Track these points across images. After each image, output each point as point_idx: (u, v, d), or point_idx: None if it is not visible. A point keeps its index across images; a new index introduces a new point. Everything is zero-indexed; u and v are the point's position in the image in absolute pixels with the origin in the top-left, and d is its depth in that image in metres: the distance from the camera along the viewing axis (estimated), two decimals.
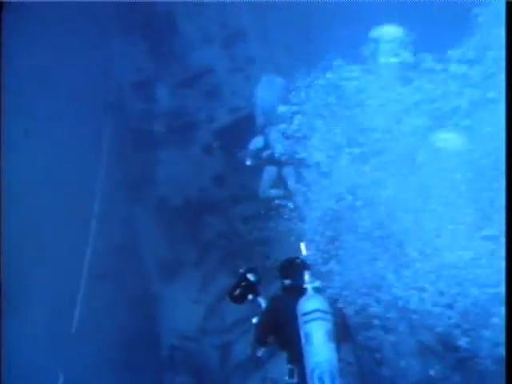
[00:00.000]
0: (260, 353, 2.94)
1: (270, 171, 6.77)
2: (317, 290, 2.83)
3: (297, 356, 2.63)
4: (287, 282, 3.07)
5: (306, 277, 2.89)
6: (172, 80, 8.78)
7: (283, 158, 6.70)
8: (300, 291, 2.81)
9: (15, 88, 7.41)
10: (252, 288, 3.01)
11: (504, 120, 3.25)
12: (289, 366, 2.74)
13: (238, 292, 3.00)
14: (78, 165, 8.72)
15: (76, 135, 8.84)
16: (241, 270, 3.11)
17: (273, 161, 6.73)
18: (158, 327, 7.04)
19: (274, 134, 6.82)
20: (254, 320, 2.92)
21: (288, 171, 6.79)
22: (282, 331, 2.79)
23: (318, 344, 2.53)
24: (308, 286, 2.83)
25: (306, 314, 2.63)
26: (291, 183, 6.73)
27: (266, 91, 7.36)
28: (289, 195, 6.81)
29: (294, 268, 3.09)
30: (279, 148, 6.72)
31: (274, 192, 6.77)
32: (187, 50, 9.15)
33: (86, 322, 7.71)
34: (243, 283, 3.01)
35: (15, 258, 6.92)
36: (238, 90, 7.96)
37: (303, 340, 2.58)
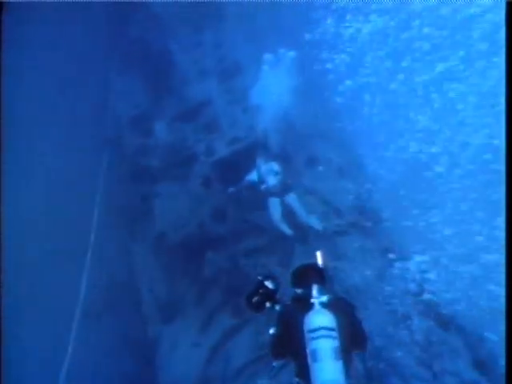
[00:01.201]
0: (276, 363, 2.85)
1: (274, 203, 6.57)
2: (324, 305, 2.74)
3: (304, 370, 2.60)
4: (299, 291, 2.94)
5: (314, 291, 2.80)
6: (169, 113, 8.74)
7: (278, 190, 6.53)
8: (309, 304, 2.76)
9: (14, 89, 7.41)
10: (270, 296, 2.95)
11: (504, 120, 3.27)
12: (296, 379, 2.70)
13: (255, 299, 2.94)
14: (75, 200, 8.63)
15: (73, 169, 8.81)
16: (259, 277, 3.02)
17: (271, 193, 6.56)
18: (156, 373, 6.54)
19: (264, 167, 6.69)
20: (271, 331, 2.85)
21: (291, 200, 6.59)
22: (291, 342, 2.73)
23: (325, 362, 2.53)
24: (315, 300, 2.76)
25: (311, 331, 2.61)
26: (300, 213, 6.52)
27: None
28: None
29: (307, 277, 2.96)
30: (272, 180, 6.56)
31: (287, 230, 6.53)
32: (184, 84, 9.18)
33: (79, 364, 7.30)
34: (261, 290, 2.95)
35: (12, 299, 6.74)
36: (236, 121, 7.87)
37: (310, 357, 2.57)
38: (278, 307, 2.92)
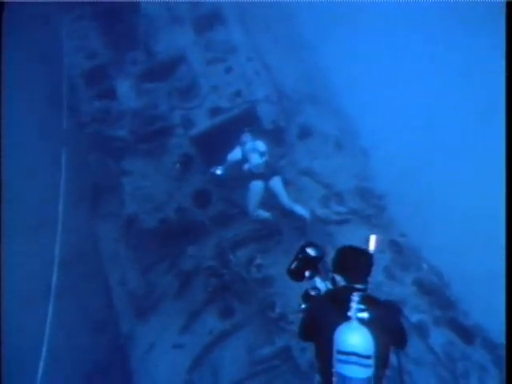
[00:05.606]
0: None
1: (255, 186, 5.68)
2: (363, 321, 2.21)
3: (327, 372, 2.27)
4: (338, 278, 2.49)
5: (354, 303, 2.24)
6: (135, 71, 7.26)
7: (262, 170, 5.68)
8: (344, 315, 2.25)
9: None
10: (310, 263, 2.68)
11: (504, 122, 3.22)
12: (318, 376, 2.41)
13: (294, 265, 2.70)
14: (34, 173, 7.72)
15: (32, 137, 7.90)
16: (302, 243, 2.76)
17: (254, 174, 5.71)
18: (130, 376, 5.79)
19: (249, 144, 5.81)
20: (303, 306, 2.60)
21: (275, 184, 5.73)
22: (317, 339, 2.39)
23: None
24: (352, 314, 2.23)
25: (342, 353, 2.19)
26: (283, 199, 5.69)
27: None
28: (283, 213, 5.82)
29: (354, 265, 2.45)
30: (256, 159, 5.69)
31: (264, 214, 5.80)
32: (152, 34, 7.63)
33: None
34: (300, 255, 2.69)
35: None
36: (219, 85, 6.61)
37: (335, 376, 2.22)
38: (318, 279, 2.64)
